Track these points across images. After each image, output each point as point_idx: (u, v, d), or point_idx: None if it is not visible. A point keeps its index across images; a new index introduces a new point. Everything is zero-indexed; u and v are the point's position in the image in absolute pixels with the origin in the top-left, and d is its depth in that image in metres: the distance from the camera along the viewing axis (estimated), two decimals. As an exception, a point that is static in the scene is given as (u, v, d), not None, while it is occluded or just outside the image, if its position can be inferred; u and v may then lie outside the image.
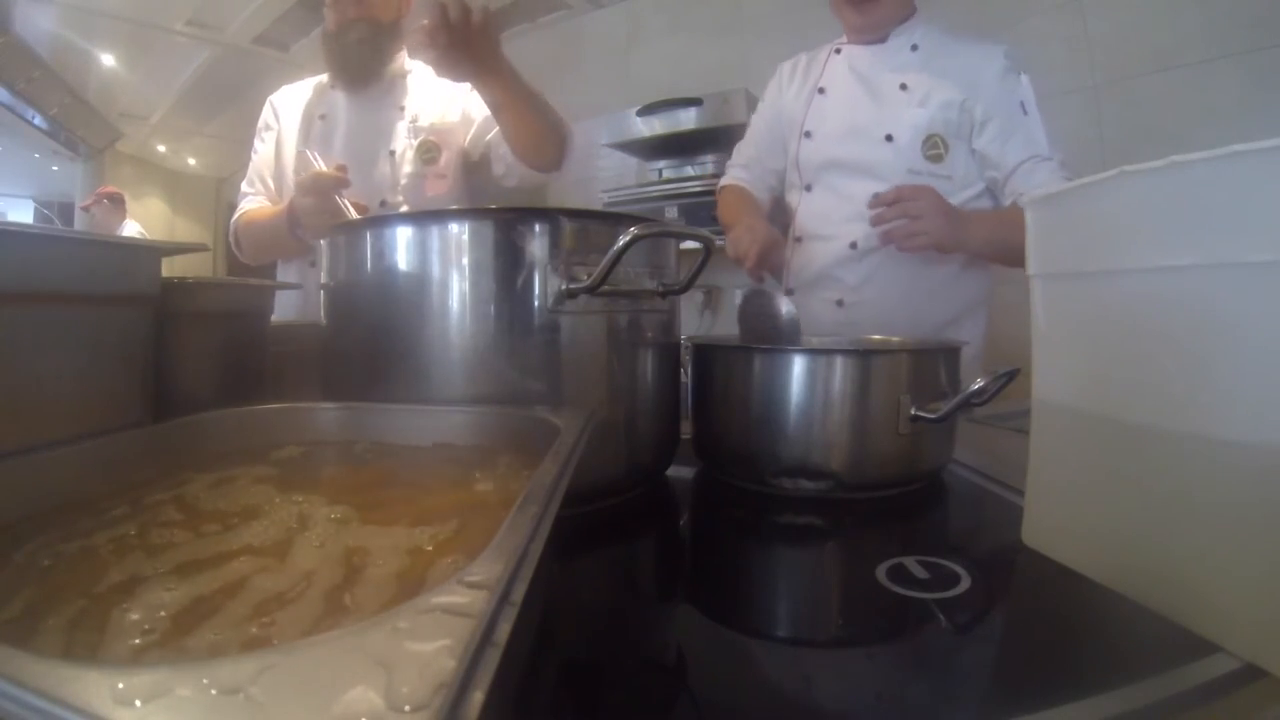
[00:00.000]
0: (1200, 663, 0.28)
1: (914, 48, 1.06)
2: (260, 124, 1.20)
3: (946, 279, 1.05)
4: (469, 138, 1.16)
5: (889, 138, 1.04)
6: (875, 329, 0.97)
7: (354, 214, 0.85)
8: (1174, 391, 0.32)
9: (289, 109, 1.18)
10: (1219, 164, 0.28)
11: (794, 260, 1.15)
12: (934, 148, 1.02)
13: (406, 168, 1.12)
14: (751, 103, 1.95)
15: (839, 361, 0.53)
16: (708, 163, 2.27)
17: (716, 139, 2.13)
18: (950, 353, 0.58)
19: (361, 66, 1.12)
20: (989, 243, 0.97)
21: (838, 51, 1.13)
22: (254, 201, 1.16)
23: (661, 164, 2.35)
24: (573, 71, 2.52)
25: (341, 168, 0.92)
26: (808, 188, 1.14)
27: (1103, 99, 1.63)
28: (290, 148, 1.15)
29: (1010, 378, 0.54)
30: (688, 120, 2.05)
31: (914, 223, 0.93)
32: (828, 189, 1.11)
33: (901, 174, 1.02)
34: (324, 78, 1.19)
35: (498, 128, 1.06)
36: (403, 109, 1.15)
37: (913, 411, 0.52)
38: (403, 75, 1.17)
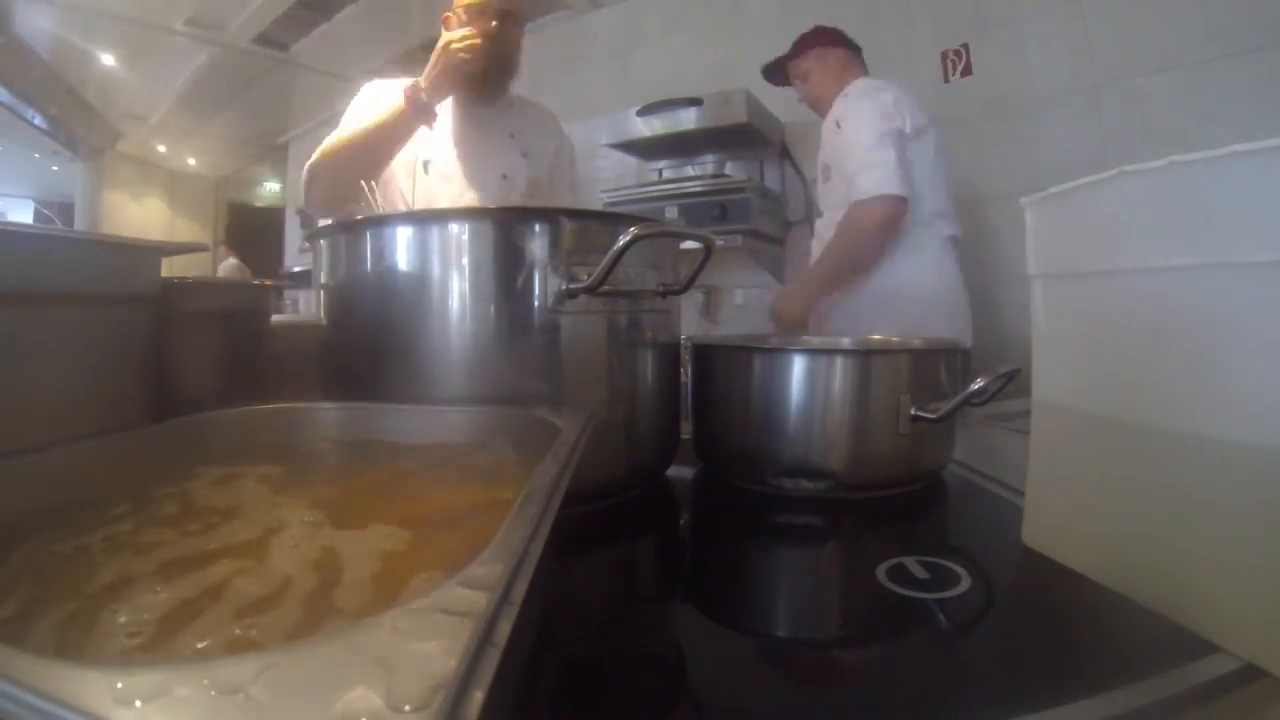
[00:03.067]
0: (1200, 663, 0.28)
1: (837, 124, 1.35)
2: (356, 106, 1.14)
3: (879, 293, 1.31)
4: (549, 168, 1.21)
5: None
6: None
7: (375, 200, 0.85)
8: (1174, 391, 0.32)
9: (383, 106, 1.11)
10: (1219, 164, 0.28)
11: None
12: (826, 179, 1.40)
13: (520, 193, 1.16)
14: (752, 103, 1.96)
15: (839, 361, 0.53)
16: (708, 163, 2.27)
17: (716, 139, 2.13)
18: (951, 353, 0.58)
19: (487, 83, 1.11)
20: (820, 284, 1.32)
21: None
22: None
23: (661, 164, 2.34)
24: (573, 71, 2.52)
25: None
26: (819, 214, 1.49)
27: (1103, 99, 1.62)
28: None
29: (1010, 378, 0.54)
30: (688, 120, 2.05)
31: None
32: (826, 212, 1.44)
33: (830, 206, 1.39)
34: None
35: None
36: (513, 136, 1.19)
37: (913, 411, 0.52)
38: (510, 104, 1.21)
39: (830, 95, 1.36)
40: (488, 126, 1.17)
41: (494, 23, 1.06)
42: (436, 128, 1.11)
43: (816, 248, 1.40)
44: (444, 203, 1.09)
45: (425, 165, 1.11)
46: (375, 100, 1.12)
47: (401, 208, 1.10)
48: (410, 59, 2.47)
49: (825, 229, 1.37)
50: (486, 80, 1.12)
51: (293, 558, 0.27)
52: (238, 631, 0.21)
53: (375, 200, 0.86)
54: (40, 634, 0.21)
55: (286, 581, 0.25)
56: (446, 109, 1.14)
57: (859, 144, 1.24)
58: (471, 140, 1.15)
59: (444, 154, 1.13)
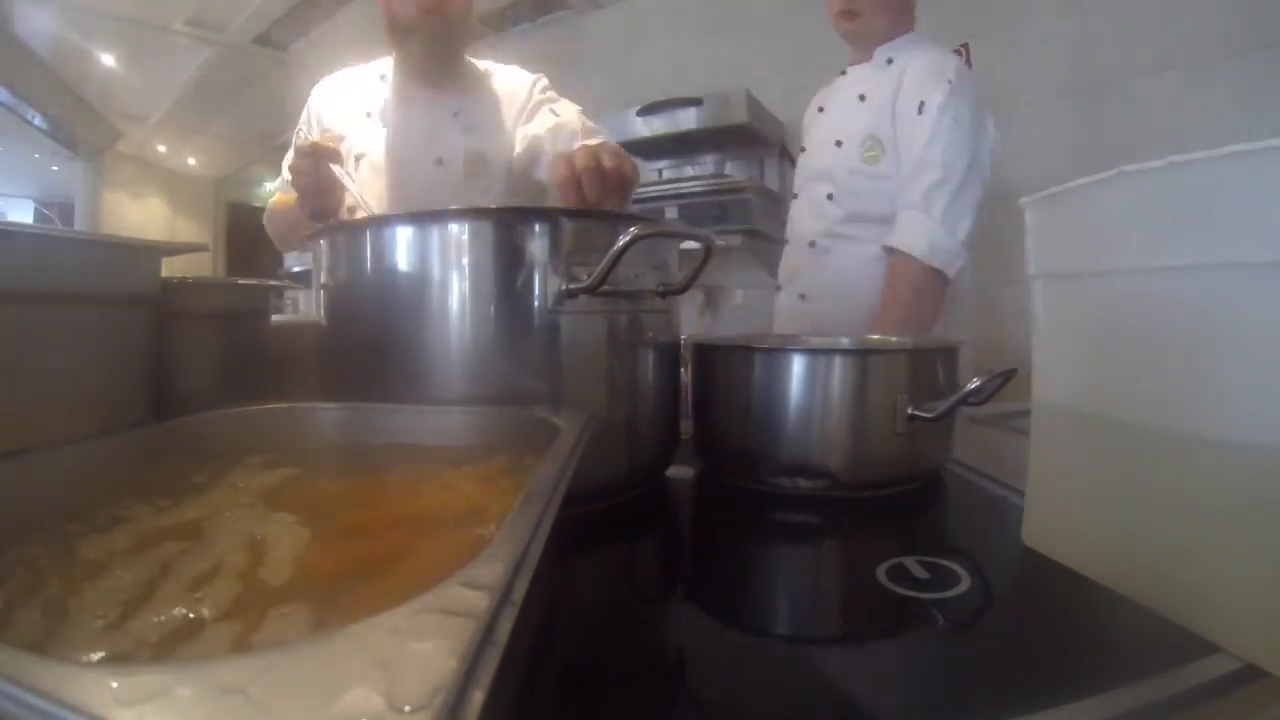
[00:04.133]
0: (1200, 663, 0.28)
1: (889, 61, 1.10)
2: (301, 121, 1.12)
3: None
4: (520, 149, 1.08)
5: (838, 143, 1.11)
6: (831, 321, 1.06)
7: (353, 188, 0.82)
8: (1174, 391, 0.32)
9: (330, 104, 1.09)
10: (1219, 164, 0.28)
11: (781, 262, 1.27)
12: (871, 149, 1.07)
13: (453, 178, 1.05)
14: (752, 103, 1.96)
15: (837, 361, 0.53)
16: (708, 163, 2.27)
17: (716, 139, 2.13)
18: (949, 352, 0.58)
19: (434, 60, 1.03)
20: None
21: (843, 73, 1.20)
22: (284, 188, 1.05)
23: (661, 164, 2.35)
24: (573, 71, 2.51)
25: (332, 138, 0.88)
26: (794, 196, 1.25)
27: (1103, 99, 1.63)
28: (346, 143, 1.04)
29: (1007, 377, 0.54)
30: (688, 120, 2.05)
31: None
32: (803, 195, 1.22)
33: (844, 175, 1.10)
34: (372, 69, 1.10)
35: (555, 147, 0.99)
36: (456, 115, 1.07)
37: (910, 410, 0.52)
38: (460, 76, 1.10)
39: (889, 32, 1.10)
40: (427, 108, 1.06)
41: None
42: (374, 116, 1.05)
43: (806, 224, 1.17)
44: (372, 198, 0.97)
45: (358, 160, 1.02)
46: (319, 107, 1.09)
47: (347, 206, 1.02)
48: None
49: (825, 215, 1.13)
50: (428, 59, 1.02)
51: (291, 559, 0.27)
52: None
53: (356, 194, 0.82)
54: (20, 626, 0.21)
55: (284, 582, 0.25)
56: (388, 93, 1.06)
57: (950, 164, 0.99)
58: (405, 125, 1.05)
59: (376, 145, 1.04)
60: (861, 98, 1.10)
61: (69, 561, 0.26)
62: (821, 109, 1.22)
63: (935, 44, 1.11)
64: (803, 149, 1.24)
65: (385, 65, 1.10)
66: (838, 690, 0.30)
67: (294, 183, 0.88)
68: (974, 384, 0.52)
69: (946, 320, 1.10)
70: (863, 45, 1.13)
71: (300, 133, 1.11)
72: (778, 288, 1.27)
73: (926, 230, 0.99)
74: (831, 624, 0.38)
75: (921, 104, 1.01)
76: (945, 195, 0.99)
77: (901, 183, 1.03)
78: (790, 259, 1.23)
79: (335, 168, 0.82)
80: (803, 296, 1.18)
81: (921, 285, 1.01)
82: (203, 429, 0.41)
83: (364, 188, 0.99)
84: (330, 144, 0.85)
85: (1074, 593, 0.36)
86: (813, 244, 1.15)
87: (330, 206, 0.87)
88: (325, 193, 0.84)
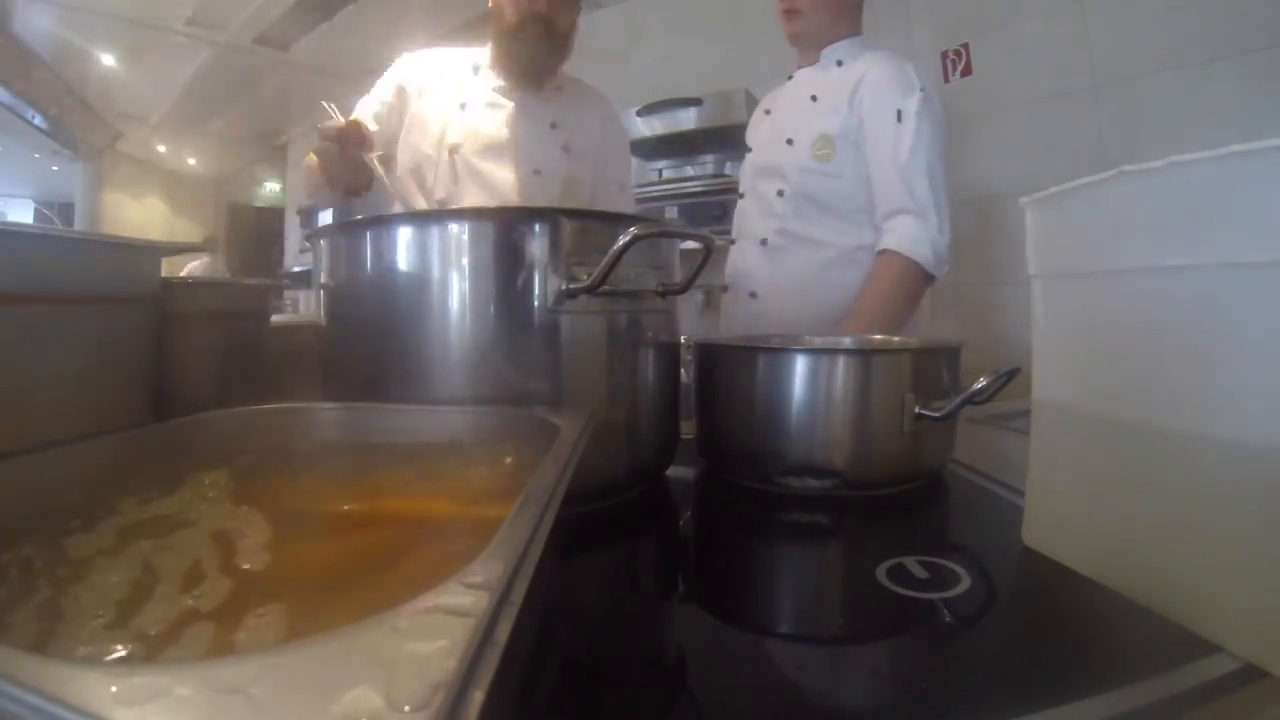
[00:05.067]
0: (1200, 663, 0.28)
1: (839, 63, 1.12)
2: (392, 79, 1.08)
3: (846, 274, 1.10)
4: (593, 165, 1.11)
5: (789, 141, 1.12)
6: (781, 321, 1.07)
7: (380, 171, 0.82)
8: (1174, 391, 0.32)
9: (424, 82, 1.06)
10: (1219, 164, 0.28)
11: (727, 260, 1.27)
12: (822, 147, 1.09)
13: (554, 191, 1.06)
14: (751, 103, 1.96)
15: (841, 361, 0.53)
16: (708, 163, 2.27)
17: (716, 139, 2.13)
18: (952, 352, 0.58)
19: (535, 65, 1.04)
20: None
21: (790, 78, 1.21)
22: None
23: (661, 164, 2.35)
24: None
25: (357, 124, 0.87)
26: (741, 195, 1.25)
27: (1103, 99, 1.63)
28: (430, 121, 1.03)
29: (1010, 376, 0.54)
30: (688, 120, 2.06)
31: None
32: (751, 194, 1.21)
33: (795, 172, 1.11)
34: (464, 56, 1.09)
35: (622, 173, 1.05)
36: (555, 126, 1.08)
37: (917, 410, 0.52)
38: (558, 89, 1.11)
39: (831, 33, 1.11)
40: (527, 113, 1.06)
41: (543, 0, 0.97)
42: (469, 109, 1.03)
43: (755, 222, 1.17)
44: (467, 193, 1.01)
45: (453, 150, 1.02)
46: (423, 75, 1.06)
47: (418, 196, 1.03)
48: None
49: (777, 214, 1.12)
50: (534, 67, 1.03)
51: (291, 559, 0.27)
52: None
53: (384, 179, 0.83)
54: (17, 626, 0.21)
55: (283, 582, 0.25)
56: (482, 88, 1.05)
57: (934, 169, 1.01)
58: (506, 125, 1.04)
59: (474, 141, 1.03)
60: (813, 98, 1.11)
61: (63, 561, 0.26)
62: (768, 111, 1.22)
63: (884, 49, 1.12)
64: (748, 149, 1.25)
65: (479, 57, 1.08)
66: (837, 690, 0.30)
67: (320, 163, 0.89)
68: (980, 384, 0.52)
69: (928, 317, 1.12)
70: (807, 47, 1.15)
71: (391, 91, 1.07)
72: (723, 288, 1.27)
73: (929, 236, 1.00)
74: (831, 624, 0.38)
75: (899, 112, 1.03)
76: (937, 201, 1.01)
77: (884, 190, 1.04)
78: (739, 258, 1.23)
79: (367, 156, 0.83)
80: (753, 295, 1.18)
81: (910, 288, 1.03)
82: (202, 429, 0.41)
83: (453, 184, 1.01)
84: (356, 130, 0.85)
85: (1074, 593, 0.36)
86: (764, 242, 1.15)
87: (356, 188, 0.87)
88: (351, 175, 0.85)
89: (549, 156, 1.06)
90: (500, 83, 1.06)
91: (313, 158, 1.02)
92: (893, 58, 1.08)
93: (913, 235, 1.00)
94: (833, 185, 1.08)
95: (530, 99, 1.07)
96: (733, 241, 1.25)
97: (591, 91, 1.18)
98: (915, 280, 1.02)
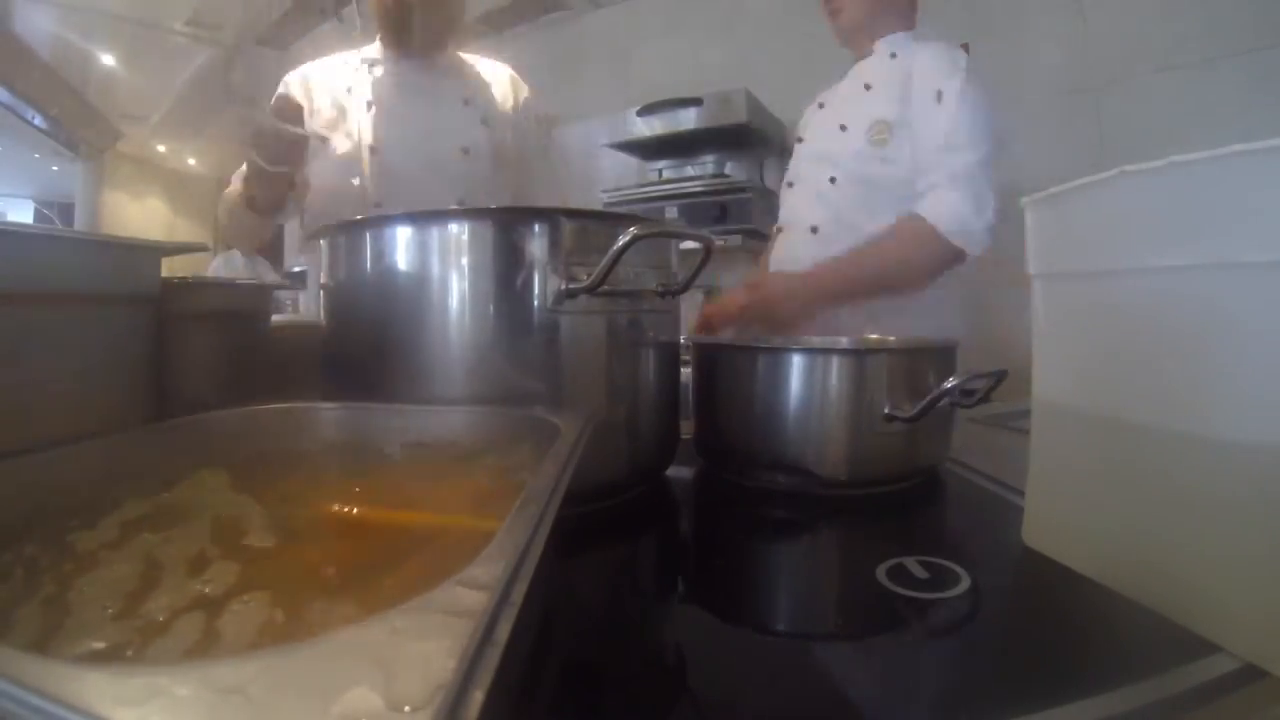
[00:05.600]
0: (1200, 663, 0.28)
1: (893, 55, 1.11)
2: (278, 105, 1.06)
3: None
4: (513, 134, 1.07)
5: (842, 127, 1.11)
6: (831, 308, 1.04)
7: (300, 132, 0.82)
8: (1174, 391, 0.32)
9: (318, 93, 1.01)
10: (1219, 164, 0.28)
11: (774, 250, 1.24)
12: (879, 133, 1.07)
13: (484, 166, 1.02)
14: (751, 103, 1.96)
15: (835, 360, 0.54)
16: (708, 163, 2.27)
17: (716, 139, 2.13)
18: (945, 351, 0.58)
19: (432, 42, 0.99)
20: (839, 292, 1.03)
21: (846, 76, 1.22)
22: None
23: (661, 164, 2.35)
24: (573, 71, 2.52)
25: (285, 97, 0.87)
26: (789, 185, 1.23)
27: (1103, 99, 1.63)
28: (338, 135, 0.98)
29: (999, 379, 0.54)
30: (688, 120, 2.06)
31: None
32: (800, 182, 1.20)
33: (850, 157, 1.10)
34: (351, 58, 1.04)
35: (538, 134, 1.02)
36: (467, 102, 1.03)
37: (886, 410, 0.53)
38: (459, 68, 1.06)
39: (878, 26, 1.11)
40: (438, 95, 1.01)
41: None
42: (374, 103, 0.98)
43: (804, 210, 1.15)
44: (401, 190, 0.95)
45: (371, 150, 0.97)
46: (310, 91, 1.01)
47: (349, 204, 0.96)
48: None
49: (825, 205, 1.10)
50: (422, 32, 0.96)
51: (290, 559, 0.27)
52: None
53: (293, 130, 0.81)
54: (21, 622, 0.21)
55: (282, 582, 0.25)
56: (385, 81, 0.99)
57: (975, 147, 0.99)
58: (420, 112, 1.00)
59: (391, 133, 0.98)
60: (867, 86, 1.10)
61: (66, 559, 0.26)
62: (822, 105, 1.22)
63: (938, 39, 1.11)
64: (799, 140, 1.23)
65: (372, 53, 1.04)
66: (837, 690, 0.30)
67: (257, 149, 0.85)
68: (950, 383, 0.52)
69: (934, 311, 1.08)
70: (858, 42, 1.14)
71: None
72: None
73: (956, 210, 0.98)
74: (831, 624, 0.38)
75: (939, 92, 1.02)
76: (972, 176, 0.99)
77: (923, 168, 1.03)
78: (785, 248, 1.20)
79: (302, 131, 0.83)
80: None
81: (918, 253, 1.01)
82: (203, 429, 0.41)
83: (385, 183, 0.96)
84: (287, 102, 0.85)
85: (1074, 593, 0.36)
86: (814, 229, 1.12)
87: (292, 158, 0.86)
88: (289, 153, 0.85)
89: (471, 133, 1.02)
90: (398, 68, 1.02)
91: (234, 188, 0.98)
92: (944, 45, 1.07)
93: (941, 204, 0.99)
94: (888, 170, 1.05)
95: (440, 81, 1.03)
96: (779, 230, 1.24)
97: (487, 61, 1.13)
98: (929, 246, 0.99)
